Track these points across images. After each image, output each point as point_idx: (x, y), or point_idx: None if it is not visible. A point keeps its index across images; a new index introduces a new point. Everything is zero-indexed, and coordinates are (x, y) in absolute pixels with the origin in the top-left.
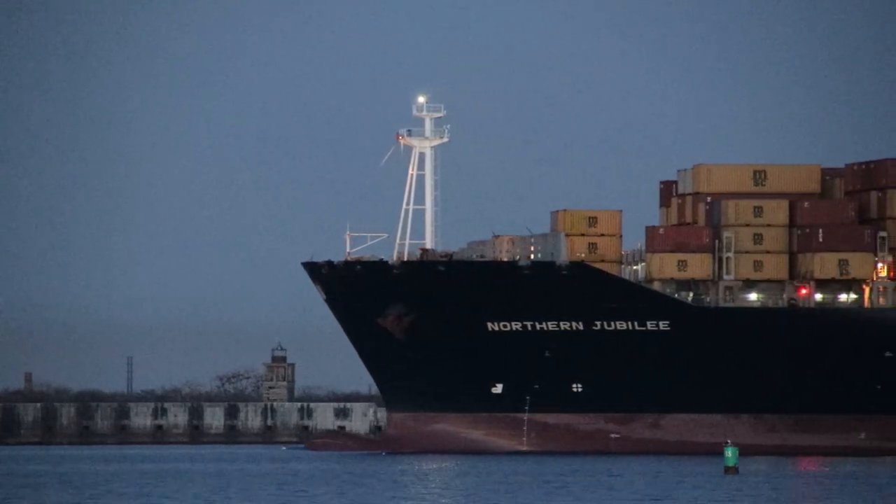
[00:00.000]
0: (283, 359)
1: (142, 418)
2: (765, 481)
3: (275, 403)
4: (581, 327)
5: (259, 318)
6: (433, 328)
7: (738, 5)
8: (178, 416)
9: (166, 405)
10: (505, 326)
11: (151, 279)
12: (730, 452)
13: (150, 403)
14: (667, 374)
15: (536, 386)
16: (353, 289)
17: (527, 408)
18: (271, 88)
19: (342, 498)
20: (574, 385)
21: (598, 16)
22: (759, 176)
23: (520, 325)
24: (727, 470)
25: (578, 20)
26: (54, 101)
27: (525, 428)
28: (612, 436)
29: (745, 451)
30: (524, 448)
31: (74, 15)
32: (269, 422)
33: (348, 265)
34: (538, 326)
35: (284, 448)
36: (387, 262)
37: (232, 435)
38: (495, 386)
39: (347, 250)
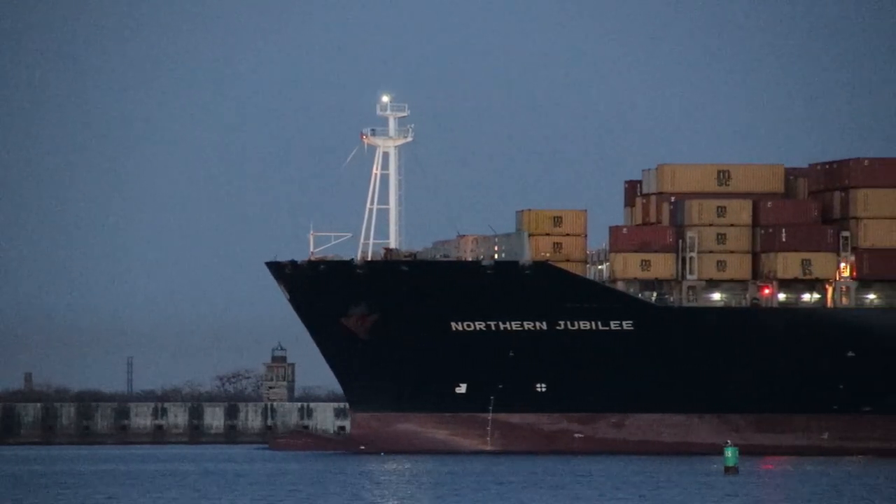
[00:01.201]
0: (283, 359)
1: (142, 418)
2: (765, 481)
3: (275, 403)
4: (545, 327)
5: (259, 318)
6: (397, 328)
7: (701, 7)
8: (178, 417)
9: (166, 405)
10: (469, 326)
11: (152, 279)
12: (730, 452)
13: (150, 403)
14: (630, 374)
15: (500, 386)
16: (317, 288)
17: (491, 408)
18: (240, 88)
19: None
20: (538, 385)
21: (563, 16)
22: (723, 176)
23: (483, 325)
24: (727, 470)
25: (543, 21)
26: (55, 100)
27: (489, 428)
28: (576, 436)
29: (708, 451)
30: (488, 448)
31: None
32: (269, 422)
33: (312, 265)
34: (502, 326)
35: (252, 448)
36: (350, 261)
37: (232, 435)
38: (459, 386)
39: (311, 250)
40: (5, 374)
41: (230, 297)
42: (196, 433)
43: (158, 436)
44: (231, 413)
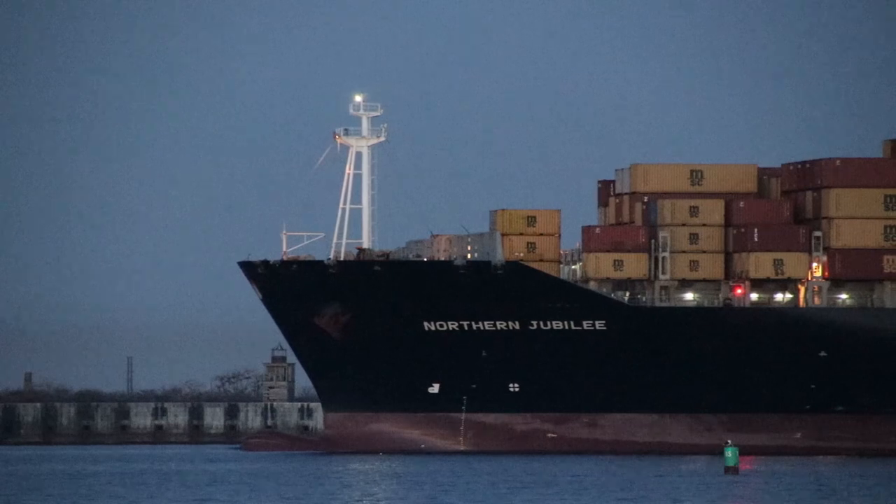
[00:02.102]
0: (283, 359)
1: (142, 418)
2: (764, 481)
3: (275, 403)
4: (517, 327)
5: (259, 319)
6: (369, 328)
7: (674, 8)
8: (178, 416)
9: (166, 405)
10: (441, 326)
11: (151, 279)
12: (730, 452)
13: (150, 403)
14: (603, 373)
15: (473, 386)
16: (289, 288)
17: (464, 407)
18: (214, 89)
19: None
20: (511, 385)
21: (536, 17)
22: (696, 176)
23: (456, 324)
24: (727, 470)
25: (516, 21)
26: (55, 101)
27: (462, 428)
28: (549, 435)
29: (681, 451)
30: (461, 448)
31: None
32: (269, 422)
33: (284, 265)
34: (474, 326)
35: (226, 448)
36: (323, 261)
37: (232, 435)
38: (432, 386)
39: (284, 249)
40: (5, 374)
41: (230, 297)
42: (196, 433)
43: (158, 436)
44: (231, 413)
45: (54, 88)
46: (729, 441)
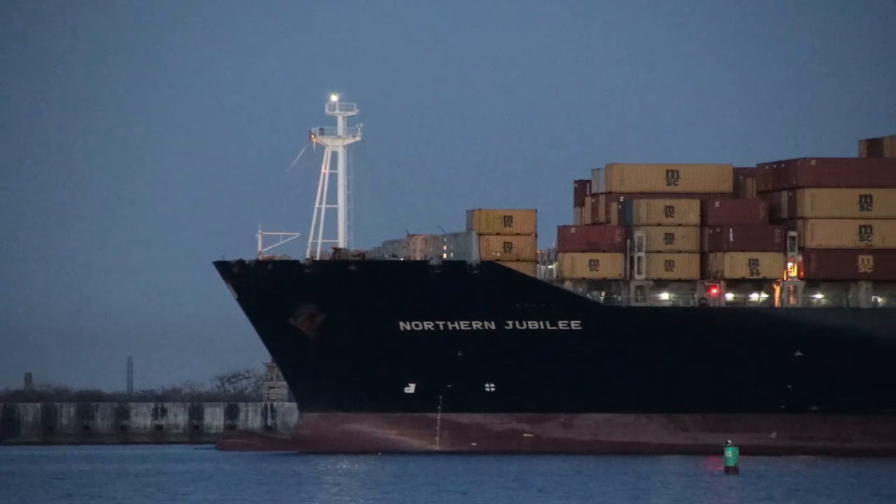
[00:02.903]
0: None
1: (142, 418)
2: (766, 481)
3: (275, 403)
4: (493, 327)
5: None
6: (345, 328)
7: (650, 9)
8: (178, 417)
9: (166, 405)
10: (417, 326)
11: (152, 279)
12: (730, 452)
13: (150, 403)
14: (579, 373)
15: (449, 386)
16: (265, 288)
17: (439, 407)
18: (190, 88)
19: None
20: (487, 385)
21: (512, 17)
22: (672, 175)
23: (432, 324)
24: (727, 470)
25: (492, 21)
26: (55, 101)
27: (438, 428)
28: (525, 435)
29: (657, 451)
30: (437, 448)
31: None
32: (270, 422)
33: (260, 264)
34: (450, 326)
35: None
36: (298, 261)
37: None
38: (408, 386)
39: (259, 249)
40: (5, 374)
41: (230, 297)
42: (196, 433)
43: (158, 436)
44: (231, 413)
45: (53, 88)
46: (729, 441)
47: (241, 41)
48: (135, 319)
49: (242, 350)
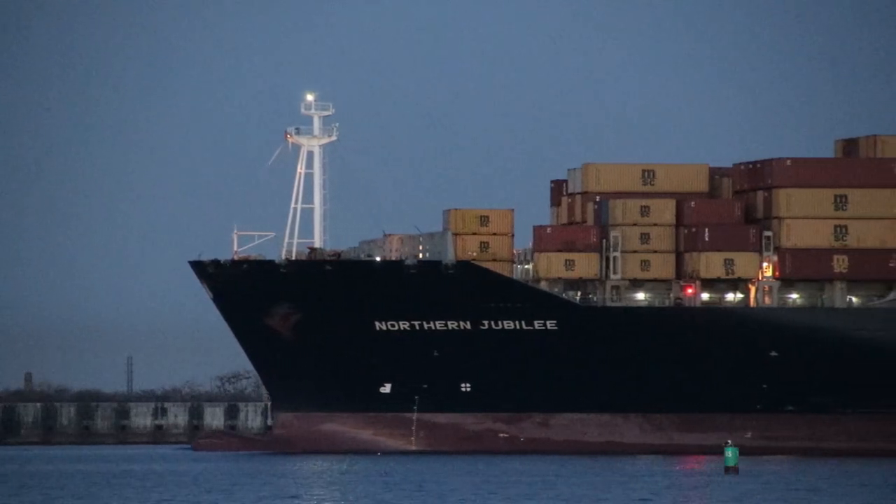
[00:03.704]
0: None
1: (142, 418)
2: (766, 481)
3: None
4: (469, 327)
5: None
6: (320, 328)
7: (625, 8)
8: (178, 417)
9: (166, 405)
10: (393, 326)
11: (152, 279)
12: (730, 452)
13: (150, 403)
14: (555, 373)
15: (425, 386)
16: (240, 288)
17: (415, 407)
18: (165, 86)
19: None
20: (462, 385)
21: (487, 15)
22: (648, 175)
23: (407, 324)
24: (727, 470)
25: (468, 19)
26: (56, 100)
27: (414, 428)
28: (501, 435)
29: (632, 451)
30: (413, 448)
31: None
32: (270, 422)
33: (235, 264)
34: (426, 326)
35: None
36: (274, 261)
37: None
38: (384, 386)
39: (234, 249)
40: (5, 374)
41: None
42: (196, 433)
43: (158, 436)
44: (231, 413)
45: (55, 87)
46: (729, 441)
47: (216, 41)
48: (135, 319)
49: (242, 350)
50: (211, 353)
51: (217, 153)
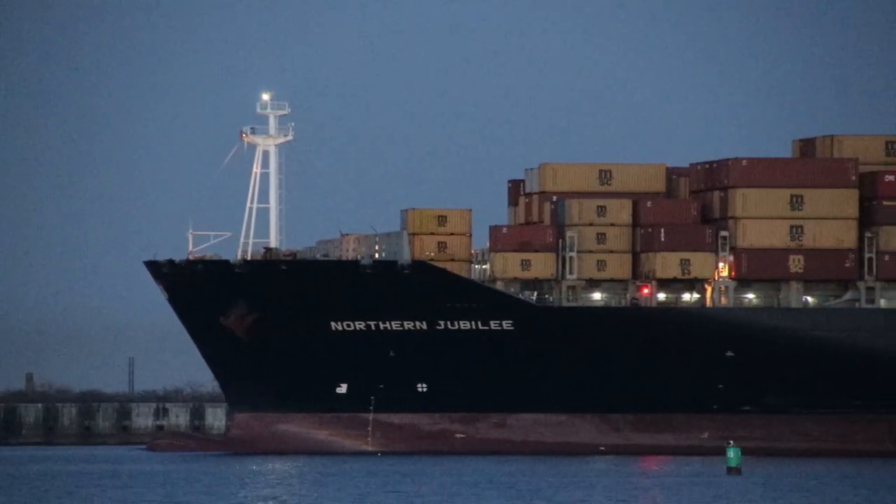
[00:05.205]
0: None
1: (143, 419)
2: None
3: None
4: (424, 327)
5: None
6: (276, 328)
7: (582, 7)
8: (179, 417)
9: (168, 405)
10: (349, 326)
11: (151, 279)
12: (732, 453)
13: (151, 404)
14: (511, 373)
15: (381, 386)
16: (195, 288)
17: (371, 408)
18: (120, 84)
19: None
20: (419, 385)
21: (443, 14)
22: (605, 175)
23: (363, 324)
24: (729, 471)
25: (423, 18)
26: (56, 99)
27: (370, 428)
28: (458, 436)
29: (589, 451)
30: (369, 448)
31: None
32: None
33: (190, 264)
34: (382, 326)
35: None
36: (229, 261)
37: None
38: (340, 386)
39: (189, 249)
40: (7, 375)
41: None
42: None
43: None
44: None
45: (56, 87)
46: (731, 441)
47: (171, 40)
48: (136, 320)
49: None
50: None
51: (172, 152)
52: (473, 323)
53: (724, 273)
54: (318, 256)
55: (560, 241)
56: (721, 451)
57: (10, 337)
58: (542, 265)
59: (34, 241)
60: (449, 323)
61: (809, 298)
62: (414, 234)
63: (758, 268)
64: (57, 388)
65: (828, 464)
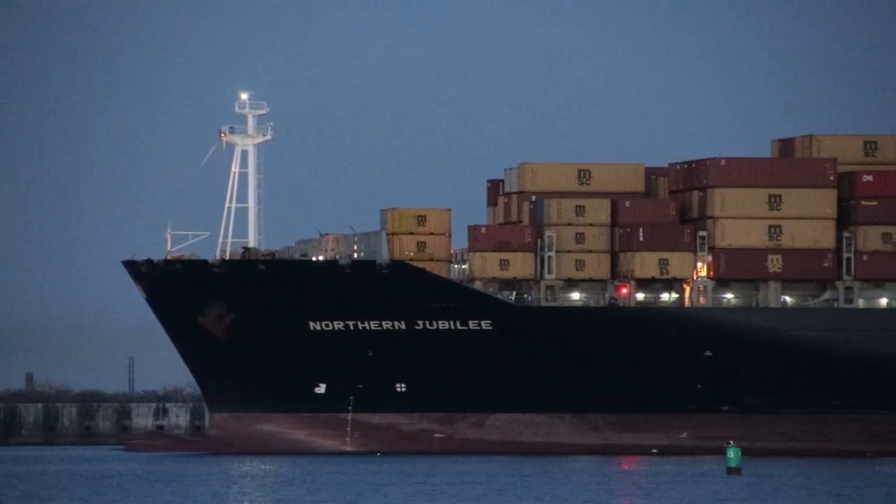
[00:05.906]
0: None
1: (143, 419)
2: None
3: None
4: (403, 327)
5: None
6: (255, 328)
7: (560, 4)
8: (179, 417)
9: (168, 405)
10: (327, 326)
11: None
12: (732, 453)
13: (151, 404)
14: (490, 373)
15: (360, 386)
16: (173, 288)
17: (350, 408)
18: (98, 82)
19: None
20: (398, 385)
21: (423, 13)
22: (584, 175)
23: (342, 324)
24: (730, 471)
25: (403, 17)
26: (56, 98)
27: (348, 428)
28: (436, 435)
29: (568, 451)
30: (347, 448)
31: None
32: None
33: (168, 264)
34: (360, 326)
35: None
36: (207, 260)
37: None
38: (318, 386)
39: (168, 248)
40: (7, 375)
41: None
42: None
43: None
44: None
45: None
46: (731, 442)
47: (150, 39)
48: (136, 319)
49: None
50: None
51: (151, 151)
52: (452, 323)
53: (703, 273)
54: (297, 256)
55: (539, 240)
56: (700, 451)
57: (10, 337)
58: (520, 265)
59: (34, 241)
60: (428, 323)
61: (788, 298)
62: (393, 234)
63: (736, 268)
64: (57, 388)
65: (828, 464)
